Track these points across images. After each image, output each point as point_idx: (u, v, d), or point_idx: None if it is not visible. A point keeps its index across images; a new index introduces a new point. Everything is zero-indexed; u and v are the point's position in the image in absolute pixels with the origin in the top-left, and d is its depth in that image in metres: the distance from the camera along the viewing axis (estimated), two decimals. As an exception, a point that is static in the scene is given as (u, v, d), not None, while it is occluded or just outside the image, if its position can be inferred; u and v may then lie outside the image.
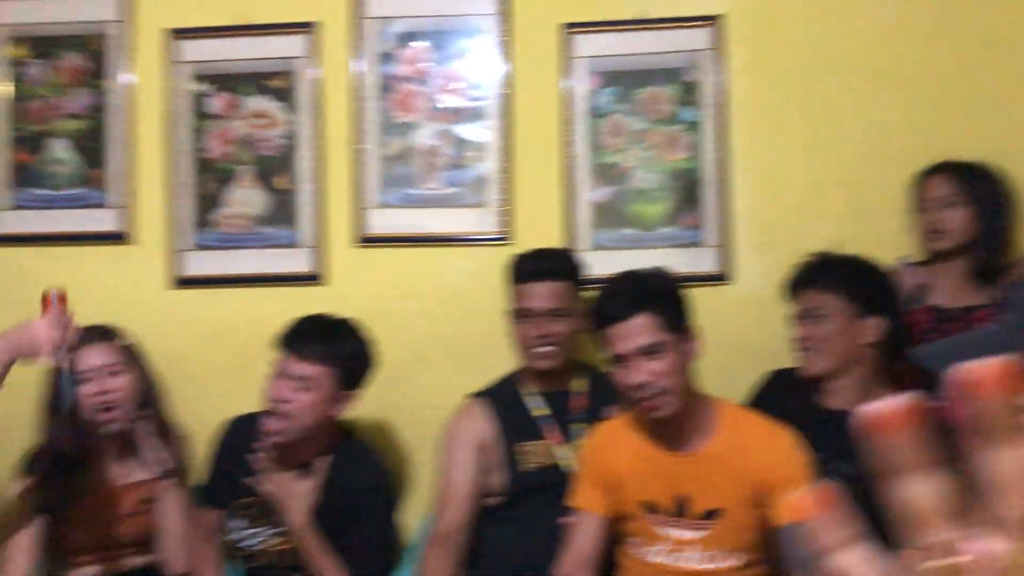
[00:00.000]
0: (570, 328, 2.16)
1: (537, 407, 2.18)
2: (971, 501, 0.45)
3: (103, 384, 2.09)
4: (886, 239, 2.31)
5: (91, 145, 2.59)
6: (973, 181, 2.23)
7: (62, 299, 1.75)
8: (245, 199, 2.56)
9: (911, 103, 2.42)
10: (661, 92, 2.47)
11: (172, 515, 2.13)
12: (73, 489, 2.10)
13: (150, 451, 2.16)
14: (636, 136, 2.47)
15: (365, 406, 2.43)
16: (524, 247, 2.29)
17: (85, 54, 2.60)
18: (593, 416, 2.11)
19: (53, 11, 2.61)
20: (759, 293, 2.43)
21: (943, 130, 2.39)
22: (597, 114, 2.48)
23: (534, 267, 2.18)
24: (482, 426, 2.14)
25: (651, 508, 1.86)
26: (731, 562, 1.83)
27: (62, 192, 2.60)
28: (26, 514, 2.10)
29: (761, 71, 2.47)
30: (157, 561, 2.16)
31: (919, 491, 0.46)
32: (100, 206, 2.58)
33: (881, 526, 0.49)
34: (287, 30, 2.54)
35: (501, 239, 2.48)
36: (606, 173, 2.48)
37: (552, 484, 2.06)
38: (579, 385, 2.22)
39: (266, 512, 2.11)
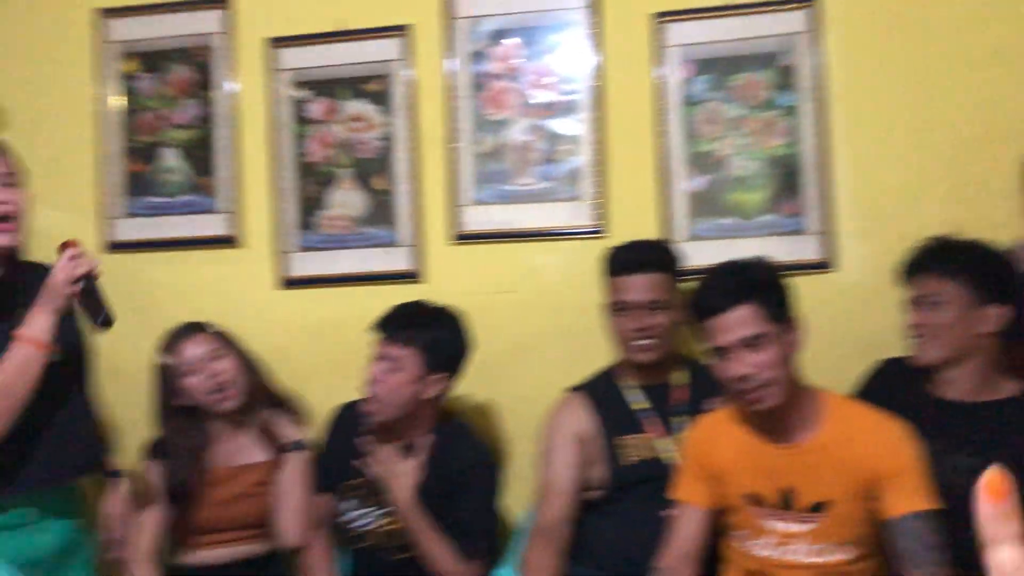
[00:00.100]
0: (668, 320, 2.14)
1: (637, 400, 2.17)
2: None
3: (209, 369, 2.22)
4: (995, 222, 2.22)
5: (200, 154, 2.70)
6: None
7: (69, 244, 1.81)
8: (345, 201, 2.63)
9: (1021, 79, 2.31)
10: (757, 78, 2.42)
11: (292, 487, 2.24)
12: (193, 473, 2.24)
13: (269, 426, 2.31)
14: (732, 123, 2.44)
15: (463, 401, 2.48)
16: (619, 239, 2.28)
17: (192, 66, 2.71)
18: (694, 409, 2.09)
19: (161, 26, 2.73)
20: (864, 280, 2.37)
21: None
22: (691, 102, 2.46)
23: (630, 259, 2.16)
24: (582, 420, 2.15)
25: (756, 501, 1.83)
26: (840, 556, 1.79)
27: (174, 199, 2.72)
28: (150, 499, 2.23)
29: (860, 51, 2.40)
30: (274, 544, 2.27)
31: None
32: (210, 212, 2.69)
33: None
34: (381, 34, 2.59)
35: (596, 232, 2.48)
36: (702, 162, 2.45)
37: (654, 477, 2.05)
38: (679, 378, 2.21)
39: (374, 493, 2.18)
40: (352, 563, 2.25)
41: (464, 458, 2.16)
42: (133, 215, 2.74)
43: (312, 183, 2.64)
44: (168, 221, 2.71)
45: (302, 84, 2.65)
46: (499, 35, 2.55)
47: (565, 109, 2.51)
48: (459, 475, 2.12)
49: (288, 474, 2.26)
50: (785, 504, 1.81)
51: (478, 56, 2.55)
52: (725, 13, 2.43)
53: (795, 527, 1.80)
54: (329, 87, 2.63)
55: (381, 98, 2.61)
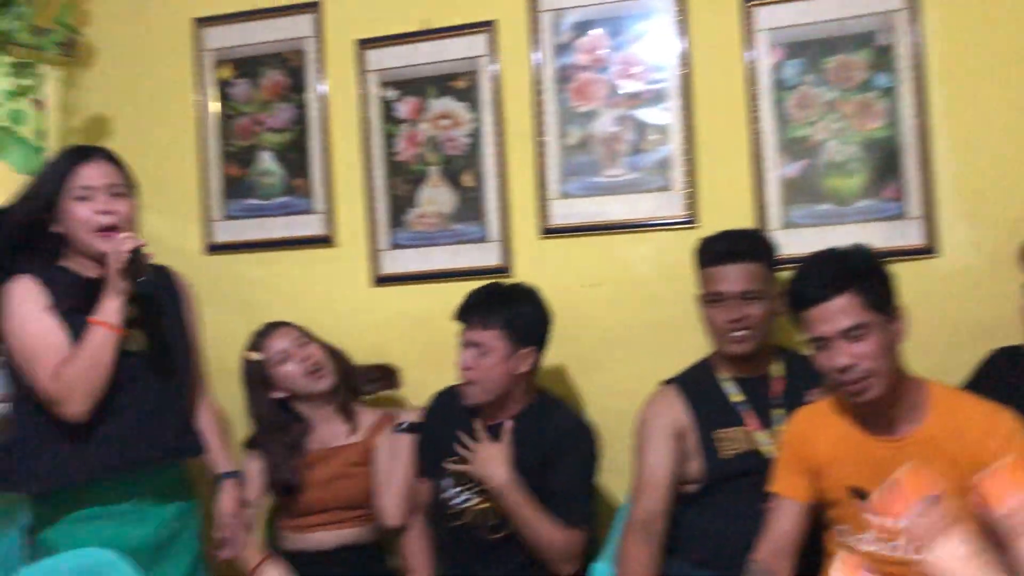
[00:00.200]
0: (764, 311, 2.10)
1: (734, 393, 2.14)
2: None
3: (300, 354, 2.38)
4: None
5: (294, 156, 2.77)
6: None
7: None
8: (434, 198, 2.66)
9: None
10: (851, 59, 2.35)
11: (394, 468, 2.32)
12: (293, 461, 2.36)
13: (357, 408, 2.46)
14: (826, 107, 2.37)
15: (556, 394, 2.48)
16: (711, 229, 2.25)
17: (284, 71, 2.78)
18: (793, 401, 2.05)
19: (254, 33, 2.81)
20: (969, 265, 2.28)
21: None
22: (783, 87, 2.40)
23: (724, 249, 2.13)
24: (678, 413, 2.13)
25: (860, 495, 1.79)
26: (950, 551, 1.73)
27: (270, 201, 2.79)
28: (254, 492, 2.34)
29: (960, 28, 2.30)
30: (377, 529, 2.37)
31: None
32: (305, 212, 2.76)
33: None
34: (467, 31, 2.61)
35: (687, 222, 2.45)
36: (796, 147, 2.39)
37: (753, 471, 2.02)
38: (777, 369, 2.17)
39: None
40: (449, 543, 2.30)
41: (559, 428, 2.20)
42: (232, 218, 2.83)
43: (402, 182, 2.68)
44: (265, 222, 2.79)
45: (390, 84, 2.69)
46: (584, 26, 2.53)
47: (653, 98, 2.49)
48: (555, 445, 2.16)
49: (391, 454, 2.34)
50: (891, 498, 1.76)
51: (563, 48, 2.55)
52: (817, -6, 2.36)
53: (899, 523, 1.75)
54: (416, 86, 2.67)
55: (468, 95, 2.62)
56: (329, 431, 2.43)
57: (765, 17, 2.40)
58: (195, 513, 2.14)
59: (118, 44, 2.93)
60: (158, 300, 2.06)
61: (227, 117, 2.84)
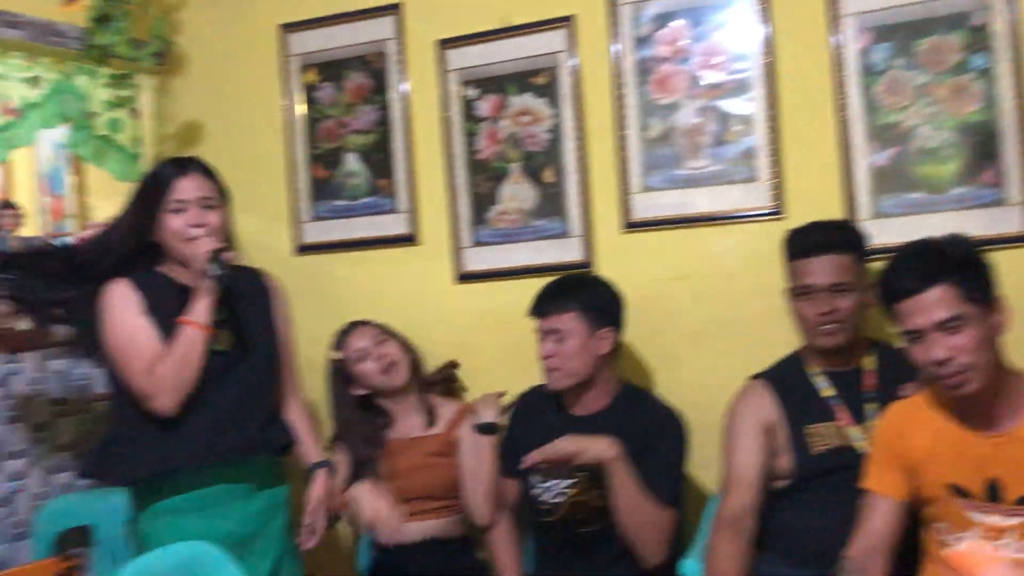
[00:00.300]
0: (855, 303, 2.05)
1: (824, 387, 2.10)
2: None
3: (377, 352, 2.46)
4: None
5: (378, 157, 2.82)
6: None
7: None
8: (516, 194, 2.67)
9: None
10: (945, 40, 2.27)
11: (478, 467, 2.35)
12: (374, 453, 2.43)
13: (434, 401, 2.53)
14: (918, 91, 2.29)
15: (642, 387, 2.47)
16: (799, 221, 2.21)
17: (366, 73, 2.83)
18: (886, 395, 2.00)
19: (337, 37, 2.86)
20: (1076, 253, 2.18)
21: None
22: (872, 72, 2.33)
23: (812, 241, 2.09)
24: (767, 408, 2.10)
25: (960, 492, 1.73)
26: (1057, 552, 1.67)
27: (356, 202, 2.85)
28: (343, 484, 2.39)
29: (1065, 2, 2.20)
30: (465, 526, 2.42)
31: None
32: (389, 212, 2.81)
33: None
34: (545, 27, 2.61)
35: (773, 214, 2.40)
36: (886, 134, 2.32)
37: (845, 466, 1.98)
38: (869, 362, 2.11)
39: (559, 465, 2.22)
40: (539, 539, 2.32)
41: (649, 416, 2.21)
42: (319, 218, 2.90)
43: (483, 179, 2.70)
44: (351, 223, 2.85)
45: (470, 82, 2.71)
46: (664, 18, 2.51)
47: (736, 88, 2.45)
48: (646, 432, 2.17)
49: (474, 454, 2.37)
50: (991, 496, 1.70)
51: (643, 41, 2.53)
52: (908, -25, 2.29)
53: (1004, 521, 1.70)
54: (496, 83, 2.68)
55: (547, 91, 2.63)
56: (408, 423, 2.49)
57: (852, 1, 2.34)
58: (284, 508, 2.20)
59: (208, 52, 3.04)
60: (246, 301, 2.15)
61: (313, 120, 2.90)
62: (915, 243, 1.78)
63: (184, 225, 2.03)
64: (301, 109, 2.92)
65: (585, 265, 2.58)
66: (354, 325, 2.53)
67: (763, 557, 2.07)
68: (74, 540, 2.16)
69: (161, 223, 2.04)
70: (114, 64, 2.83)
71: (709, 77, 2.47)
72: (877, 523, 1.82)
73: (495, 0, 2.67)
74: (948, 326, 1.65)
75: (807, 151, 2.39)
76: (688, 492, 2.33)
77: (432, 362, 2.64)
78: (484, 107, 2.70)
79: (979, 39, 2.25)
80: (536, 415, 2.34)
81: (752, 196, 2.43)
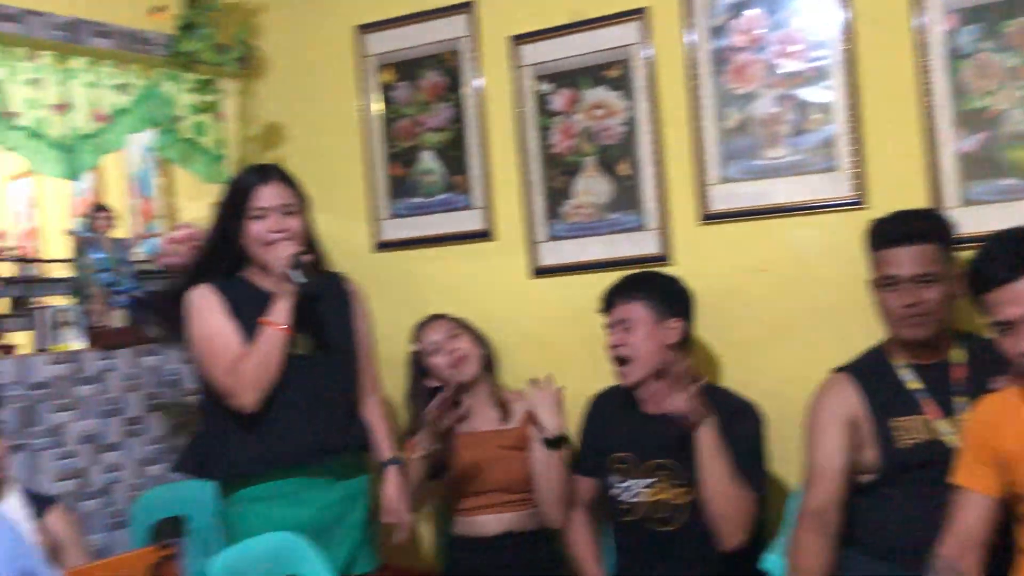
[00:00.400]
0: (942, 294, 2.00)
1: (911, 380, 2.05)
2: None
3: (449, 346, 2.51)
4: None
5: (453, 153, 2.86)
6: None
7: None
8: (590, 188, 2.67)
9: None
10: (1037, 20, 2.19)
11: (550, 470, 2.32)
12: (448, 445, 2.44)
13: (506, 395, 2.57)
14: (1009, 74, 2.21)
15: (722, 384, 2.44)
16: (882, 210, 2.15)
17: (441, 71, 2.87)
18: (976, 388, 1.94)
19: (412, 36, 2.90)
20: None
21: None
22: (958, 55, 2.26)
23: (897, 230, 2.04)
24: (851, 401, 2.06)
25: (1056, 489, 1.67)
26: None
27: (432, 199, 2.90)
28: (416, 476, 2.40)
29: None
30: (541, 521, 2.41)
31: None
32: (465, 208, 2.84)
33: None
34: (619, 19, 2.60)
35: (855, 203, 2.35)
36: (974, 120, 2.25)
37: (933, 461, 1.93)
38: (957, 355, 2.05)
39: (637, 463, 2.24)
40: (618, 539, 2.32)
41: (726, 408, 2.19)
42: (397, 216, 2.95)
43: (558, 174, 2.71)
44: (428, 220, 2.90)
45: (544, 77, 2.72)
46: (739, 7, 2.47)
47: (815, 76, 2.40)
48: (725, 424, 2.14)
49: (545, 463, 2.33)
50: (1091, 493, 1.64)
51: (718, 31, 2.50)
52: (995, -48, 2.21)
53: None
54: (570, 78, 2.68)
55: (621, 83, 2.62)
56: (481, 417, 2.53)
57: (935, -17, 2.27)
58: (363, 498, 2.25)
59: (287, 55, 3.11)
60: (326, 305, 2.20)
61: (389, 119, 2.95)
62: (1006, 231, 1.72)
63: (265, 230, 2.10)
64: (378, 108, 2.96)
65: (662, 258, 2.56)
66: (431, 318, 2.59)
67: (849, 552, 2.03)
68: (168, 530, 2.25)
69: (244, 229, 2.11)
70: (199, 69, 2.92)
71: (787, 65, 2.43)
72: (969, 520, 1.77)
73: (567, -5, 2.67)
74: (1041, 317, 1.59)
75: (890, 138, 2.33)
76: (769, 486, 2.30)
77: (508, 357, 2.66)
78: (558, 101, 2.70)
79: (1074, 17, 2.16)
80: (610, 414, 2.35)
81: (832, 185, 2.38)
